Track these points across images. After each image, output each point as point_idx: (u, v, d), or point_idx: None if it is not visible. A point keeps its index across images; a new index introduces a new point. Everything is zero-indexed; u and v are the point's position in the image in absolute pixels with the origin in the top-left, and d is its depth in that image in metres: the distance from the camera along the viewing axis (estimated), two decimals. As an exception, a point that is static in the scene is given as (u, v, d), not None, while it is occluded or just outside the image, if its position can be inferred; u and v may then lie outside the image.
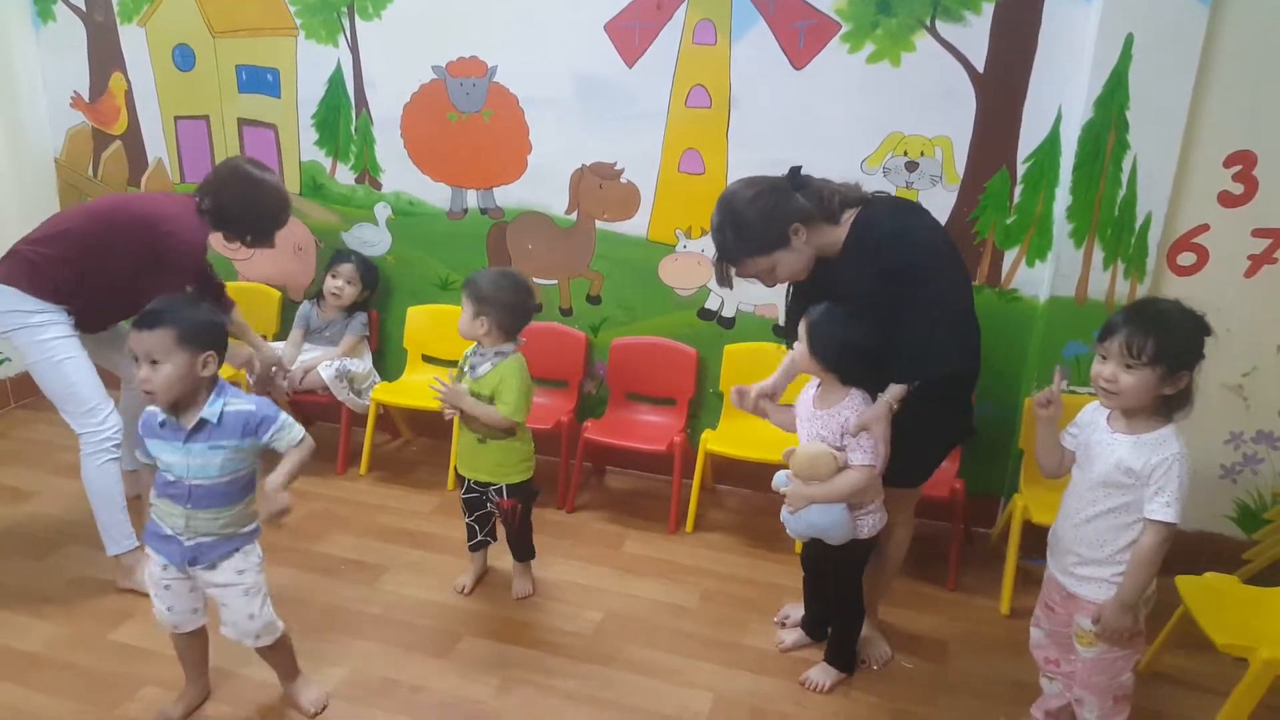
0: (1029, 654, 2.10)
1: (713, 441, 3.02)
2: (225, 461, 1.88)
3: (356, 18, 3.27)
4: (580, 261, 3.31)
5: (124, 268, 2.46)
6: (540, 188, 3.26)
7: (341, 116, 3.41)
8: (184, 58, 3.54)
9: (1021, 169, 2.77)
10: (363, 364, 3.44)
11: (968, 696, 2.31)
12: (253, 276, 3.71)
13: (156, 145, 3.70)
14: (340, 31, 3.31)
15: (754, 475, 3.04)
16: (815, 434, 2.10)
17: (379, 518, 3.08)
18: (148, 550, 1.99)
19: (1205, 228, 2.60)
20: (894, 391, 2.03)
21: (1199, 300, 1.79)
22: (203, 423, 1.86)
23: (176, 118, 3.64)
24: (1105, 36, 2.48)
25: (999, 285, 2.88)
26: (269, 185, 2.71)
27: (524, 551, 2.66)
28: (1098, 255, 2.66)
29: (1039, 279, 2.82)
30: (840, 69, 2.82)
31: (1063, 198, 2.67)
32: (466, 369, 2.46)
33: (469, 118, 3.25)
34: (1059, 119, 2.68)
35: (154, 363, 1.81)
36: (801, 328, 2.09)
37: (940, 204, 2.83)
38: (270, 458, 1.97)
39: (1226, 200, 2.56)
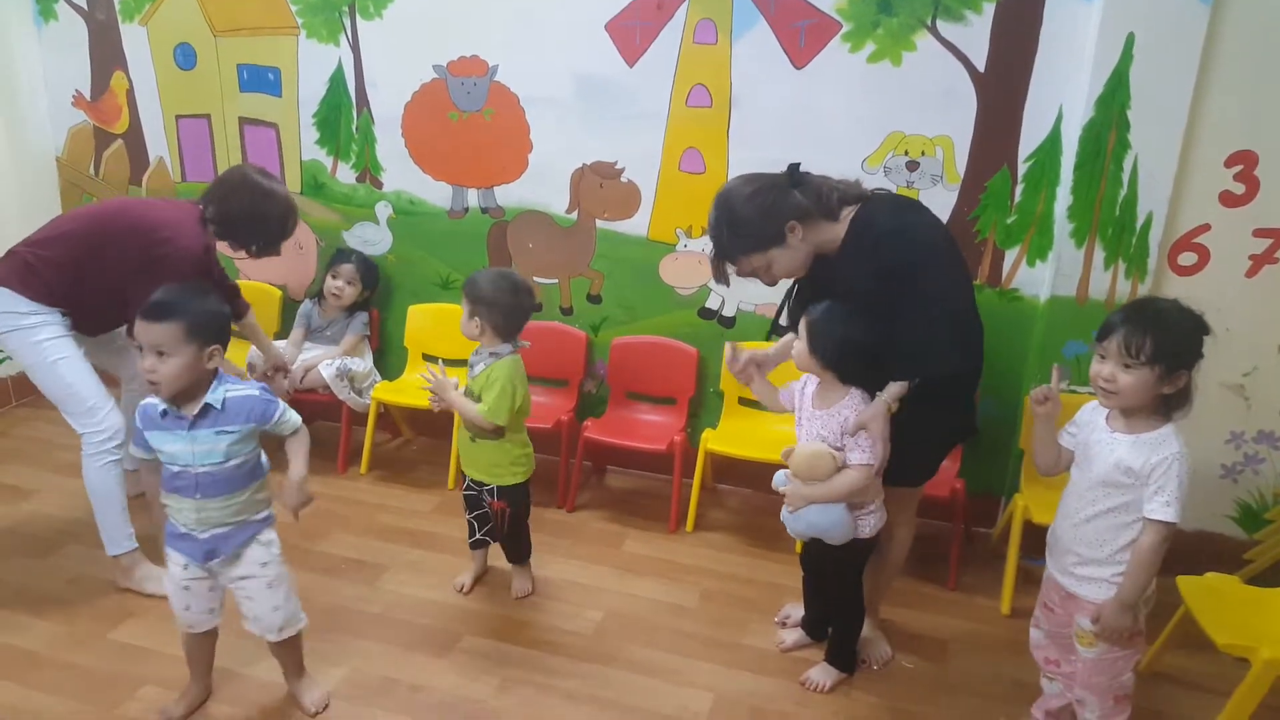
0: (1030, 654, 2.09)
1: (713, 441, 3.01)
2: (230, 446, 1.89)
3: (358, 17, 3.27)
4: (581, 261, 3.31)
5: (119, 273, 2.44)
6: (541, 187, 3.26)
7: (343, 115, 3.42)
8: (185, 56, 3.54)
9: (1022, 168, 2.76)
10: (363, 363, 3.44)
11: (968, 696, 2.30)
12: (254, 276, 3.70)
13: (158, 144, 3.70)
14: (341, 30, 3.31)
15: (754, 475, 3.04)
16: (815, 433, 2.10)
17: (379, 517, 3.08)
18: (167, 550, 1.99)
19: (1206, 227, 2.60)
20: (893, 390, 2.02)
21: (1200, 300, 1.79)
22: (207, 408, 1.87)
23: (178, 116, 3.65)
24: (1106, 36, 2.47)
25: (1000, 285, 2.88)
26: (277, 195, 2.67)
27: (517, 554, 2.66)
28: (1099, 255, 2.66)
29: (1040, 279, 2.82)
30: (841, 68, 2.81)
31: (1064, 197, 2.66)
32: (469, 367, 2.47)
33: (470, 117, 3.25)
34: (1060, 118, 2.68)
35: (161, 354, 1.81)
36: (801, 326, 2.09)
37: (941, 203, 2.83)
38: (267, 445, 2.00)
39: (1228, 200, 2.56)
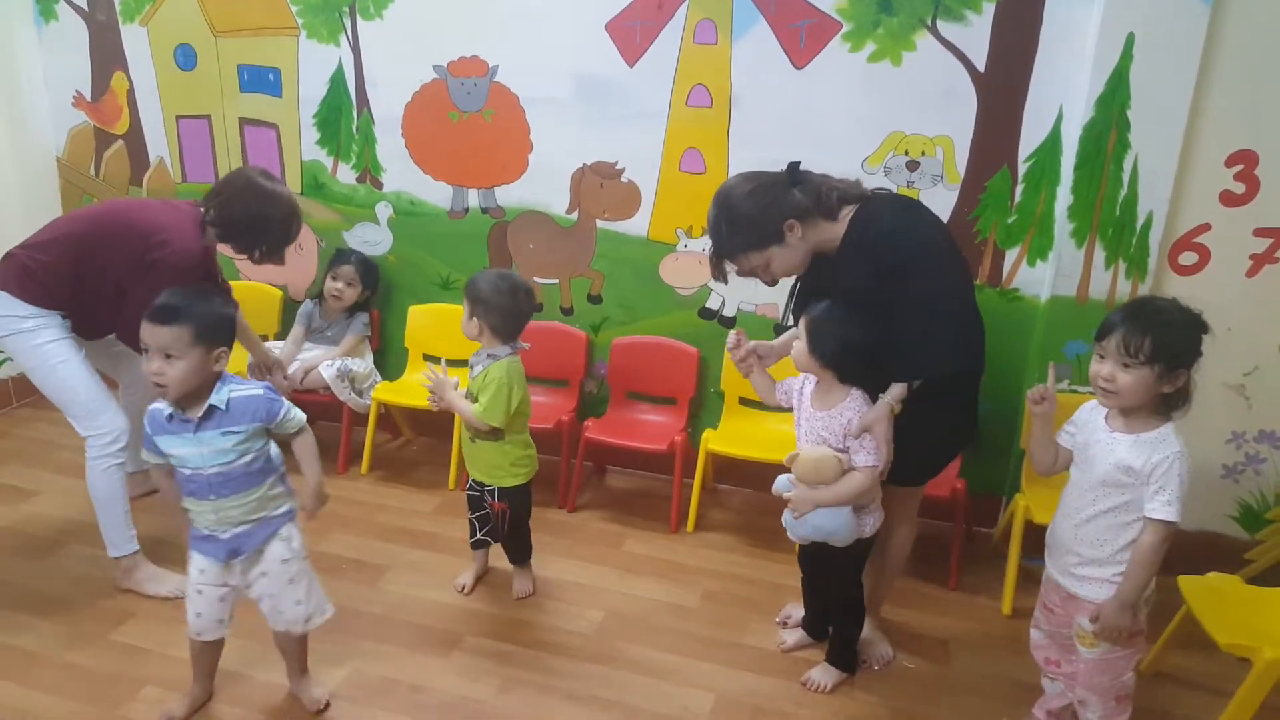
0: (1031, 654, 2.09)
1: (714, 441, 3.01)
2: (238, 445, 1.90)
3: (358, 17, 3.27)
4: (581, 261, 3.31)
5: (117, 275, 2.42)
6: (541, 187, 3.26)
7: (343, 116, 3.42)
8: (186, 57, 3.55)
9: (1022, 168, 2.76)
10: (364, 364, 3.44)
11: (969, 696, 2.30)
12: (254, 276, 3.70)
13: (158, 144, 3.70)
14: (341, 31, 3.31)
15: (755, 475, 3.04)
16: (816, 435, 2.10)
17: (380, 517, 3.08)
18: (190, 553, 2.00)
19: (1207, 227, 2.60)
20: (895, 392, 2.02)
21: (1201, 300, 1.79)
22: (211, 410, 1.87)
23: (178, 117, 3.65)
24: (1106, 36, 2.47)
25: (1000, 285, 2.88)
26: (280, 198, 2.62)
27: (518, 555, 2.66)
28: (1099, 255, 2.66)
29: (1040, 278, 2.82)
30: (841, 68, 2.81)
31: (1064, 197, 2.66)
32: (469, 368, 2.47)
33: (470, 117, 3.25)
34: (1060, 118, 2.67)
35: (168, 357, 1.82)
36: (801, 326, 2.08)
37: (941, 203, 2.83)
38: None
39: (1228, 200, 2.56)
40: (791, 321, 2.29)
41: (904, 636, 2.51)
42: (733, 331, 2.25)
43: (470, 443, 2.48)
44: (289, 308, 3.64)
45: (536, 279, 3.36)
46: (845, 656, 2.32)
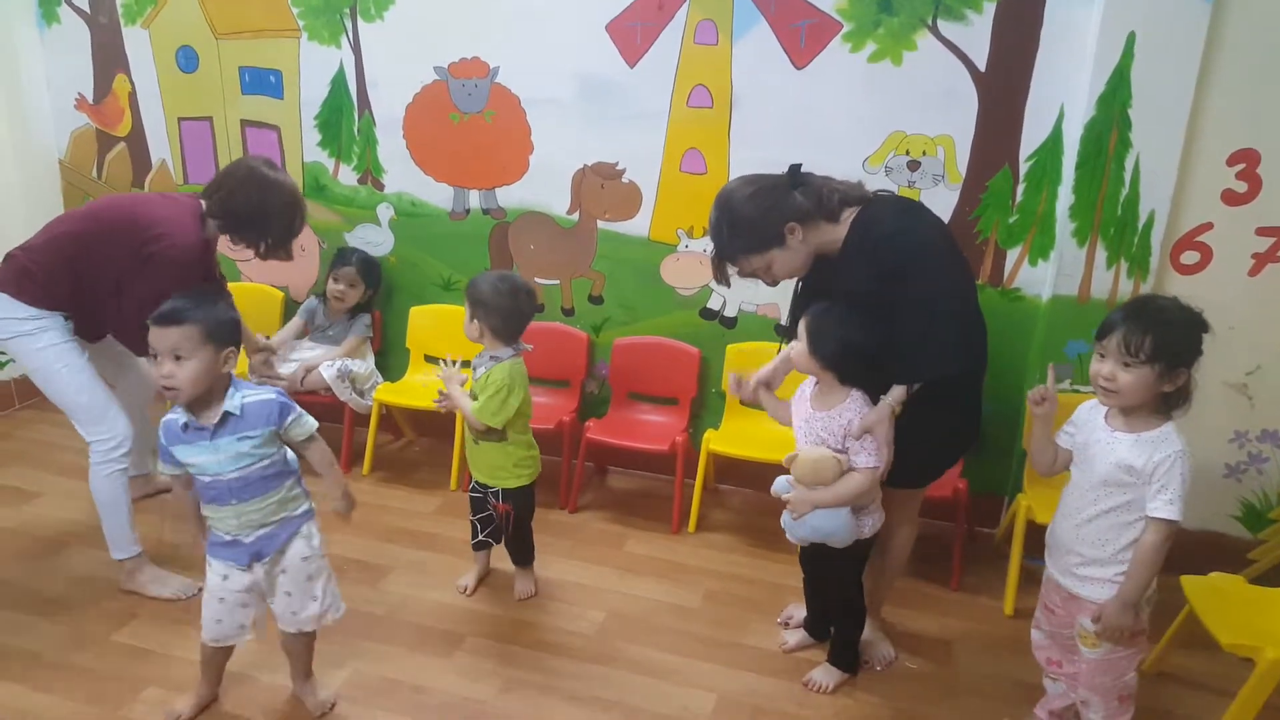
0: (1032, 654, 2.09)
1: (715, 441, 3.01)
2: (254, 450, 1.90)
3: (359, 19, 3.27)
4: (582, 261, 3.31)
5: (114, 271, 2.39)
6: (542, 188, 3.26)
7: (344, 117, 3.42)
8: (187, 59, 3.55)
9: (1024, 168, 2.76)
10: (365, 365, 3.44)
11: (971, 697, 2.30)
12: (256, 277, 3.71)
13: (160, 147, 3.71)
14: (343, 33, 3.31)
15: (756, 475, 3.03)
16: (815, 436, 2.09)
17: (382, 518, 3.08)
18: (209, 560, 1.99)
19: (1209, 226, 2.59)
20: (896, 393, 2.02)
21: (1203, 299, 1.79)
22: (226, 416, 1.87)
23: (180, 119, 3.65)
24: (1107, 35, 2.47)
25: (1001, 284, 2.87)
26: (283, 187, 2.54)
27: (522, 556, 2.66)
28: (1100, 254, 2.65)
29: (1041, 278, 2.81)
30: (842, 68, 2.81)
31: (1065, 196, 2.66)
32: (472, 370, 2.48)
33: (471, 118, 3.26)
34: (1061, 117, 2.67)
35: (179, 359, 1.82)
36: (801, 327, 2.08)
37: (942, 203, 2.82)
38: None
39: (1230, 199, 2.55)
40: (788, 322, 2.30)
41: (906, 637, 2.51)
42: (731, 376, 2.28)
43: (474, 444, 2.49)
44: (290, 309, 3.64)
45: (538, 280, 3.36)
46: (847, 657, 2.32)
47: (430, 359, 3.50)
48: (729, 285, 2.23)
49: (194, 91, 3.58)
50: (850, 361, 2.04)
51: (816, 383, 2.13)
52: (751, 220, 2.05)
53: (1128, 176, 2.57)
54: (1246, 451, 2.73)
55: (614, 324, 3.34)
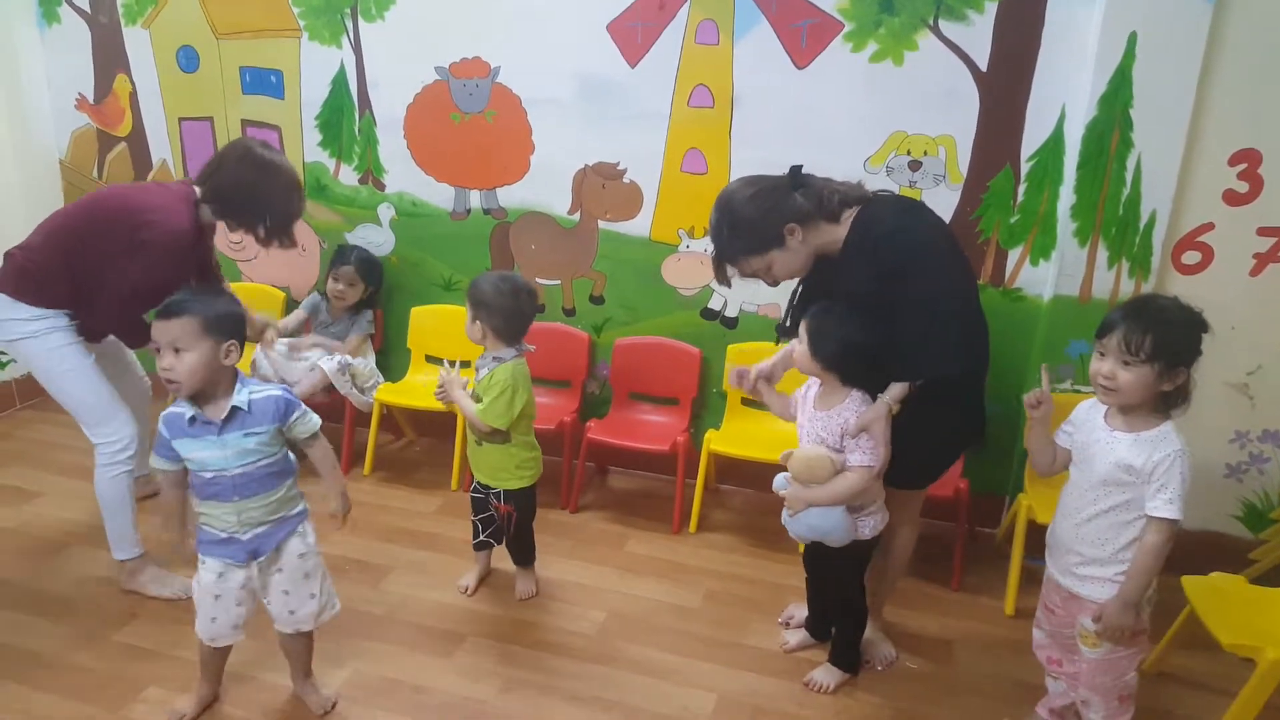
0: (1033, 654, 2.09)
1: (716, 441, 3.01)
2: (260, 446, 1.90)
3: (359, 19, 3.27)
4: (583, 262, 3.31)
5: (109, 263, 2.36)
6: (543, 188, 3.26)
7: (345, 118, 3.42)
8: (188, 59, 3.55)
9: (1025, 168, 2.76)
10: (365, 363, 3.43)
11: (972, 697, 2.30)
12: (257, 278, 3.71)
13: (161, 147, 3.71)
14: (343, 33, 3.31)
15: (757, 475, 3.03)
16: (816, 435, 2.10)
17: (383, 518, 3.08)
18: (202, 558, 1.99)
19: (1210, 226, 2.59)
20: (894, 392, 2.02)
21: (1204, 299, 1.78)
22: (235, 411, 1.88)
23: (181, 119, 3.65)
24: (1109, 34, 2.47)
25: (1002, 284, 2.87)
26: (278, 168, 2.47)
27: (523, 556, 2.66)
28: (1102, 254, 2.65)
29: (1043, 278, 2.81)
30: (843, 68, 2.81)
31: (1067, 196, 2.66)
32: (474, 371, 2.48)
33: (472, 118, 3.26)
34: (1063, 117, 2.67)
35: (178, 351, 1.82)
36: (802, 328, 2.08)
37: (944, 203, 2.82)
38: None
39: (1231, 199, 2.55)
40: (791, 323, 2.29)
41: (906, 637, 2.50)
42: (733, 370, 2.28)
43: (476, 445, 2.48)
44: (292, 309, 3.64)
45: (539, 280, 3.36)
46: (848, 657, 2.32)
47: (431, 359, 3.50)
48: (730, 286, 2.23)
49: (195, 91, 3.58)
50: (851, 361, 2.04)
51: (821, 384, 2.13)
52: (751, 221, 2.05)
53: (1129, 176, 2.56)
54: (1247, 451, 2.73)
55: (615, 324, 3.34)
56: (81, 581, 2.63)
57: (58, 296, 2.41)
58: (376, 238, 3.52)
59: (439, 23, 3.18)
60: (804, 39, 2.83)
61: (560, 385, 3.39)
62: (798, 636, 2.46)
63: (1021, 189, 2.78)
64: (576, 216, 3.27)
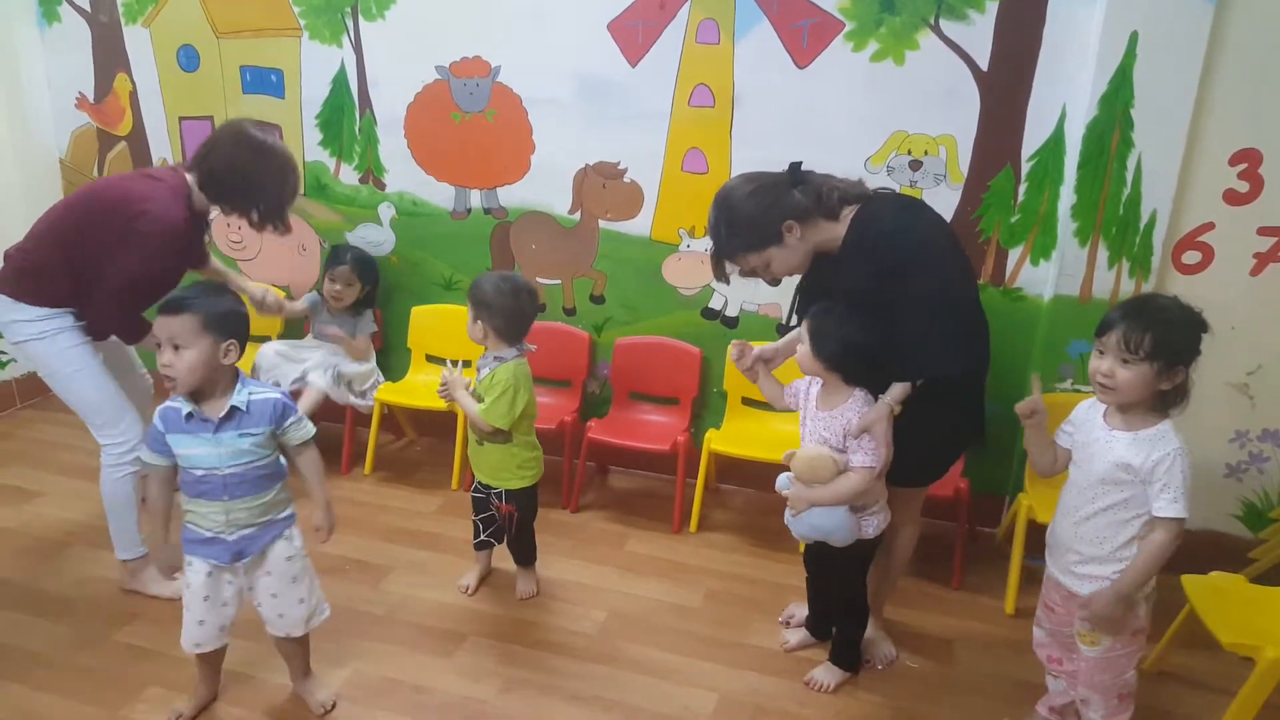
0: (1034, 653, 2.09)
1: (716, 441, 3.01)
2: (254, 447, 1.90)
3: (360, 18, 3.27)
4: (584, 261, 3.31)
5: (105, 257, 2.33)
6: (543, 187, 3.26)
7: (345, 117, 3.42)
8: (188, 58, 3.55)
9: (1026, 167, 2.76)
10: (364, 365, 3.42)
11: (972, 696, 2.30)
12: (257, 277, 3.70)
13: (161, 146, 3.71)
14: (344, 32, 3.31)
15: (758, 475, 3.04)
16: (818, 435, 2.10)
17: (383, 518, 3.08)
18: (188, 558, 1.98)
19: (1210, 226, 2.59)
20: (895, 392, 2.02)
21: (1204, 299, 1.79)
22: (233, 410, 1.88)
23: (181, 118, 3.65)
24: (1110, 34, 2.47)
25: (1003, 284, 2.87)
26: (273, 150, 2.42)
27: (525, 556, 2.66)
28: (1102, 254, 2.65)
29: (1043, 278, 2.81)
30: (844, 68, 2.81)
31: (1067, 196, 2.66)
32: (476, 371, 2.48)
33: (472, 118, 3.25)
34: (1063, 117, 2.67)
35: (177, 348, 1.82)
36: (803, 328, 2.08)
37: (944, 203, 2.82)
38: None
39: (1232, 198, 2.55)
40: (795, 321, 2.29)
41: (907, 636, 2.51)
42: (734, 344, 2.27)
43: (477, 445, 2.48)
44: (291, 309, 3.64)
45: (539, 279, 3.36)
46: (848, 656, 2.32)
47: (432, 359, 3.50)
48: (729, 283, 2.24)
49: (195, 91, 3.57)
50: (852, 361, 2.04)
51: (823, 384, 2.13)
52: (750, 218, 2.05)
53: (1129, 176, 2.56)
54: (1247, 451, 2.73)
55: (615, 324, 3.34)
56: (82, 581, 2.63)
57: (59, 294, 2.39)
58: (377, 237, 3.52)
59: (439, 22, 3.18)
60: (805, 38, 2.83)
61: (561, 385, 3.39)
62: (798, 636, 2.46)
63: (1022, 189, 2.78)
64: (577, 216, 3.27)
